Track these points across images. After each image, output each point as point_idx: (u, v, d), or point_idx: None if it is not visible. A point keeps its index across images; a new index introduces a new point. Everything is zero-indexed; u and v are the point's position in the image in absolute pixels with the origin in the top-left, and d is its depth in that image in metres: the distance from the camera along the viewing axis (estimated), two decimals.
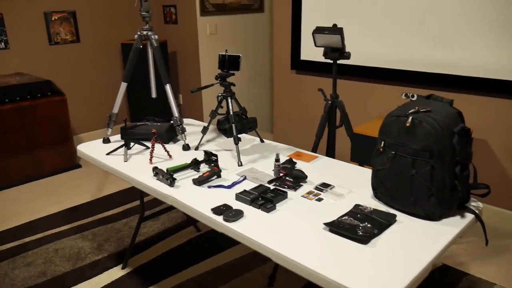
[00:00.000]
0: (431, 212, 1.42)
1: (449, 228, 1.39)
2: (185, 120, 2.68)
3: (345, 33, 3.17)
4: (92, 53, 4.44)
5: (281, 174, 1.83)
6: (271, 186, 1.72)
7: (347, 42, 3.18)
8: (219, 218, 1.49)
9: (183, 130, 2.23)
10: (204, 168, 1.93)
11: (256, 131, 2.26)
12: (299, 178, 1.76)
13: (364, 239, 1.33)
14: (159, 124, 2.36)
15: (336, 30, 2.04)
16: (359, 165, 2.43)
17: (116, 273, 2.39)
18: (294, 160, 1.97)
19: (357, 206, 1.54)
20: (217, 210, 1.53)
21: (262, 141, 2.28)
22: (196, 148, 2.19)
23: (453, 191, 1.41)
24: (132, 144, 2.24)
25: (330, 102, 2.29)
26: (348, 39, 3.18)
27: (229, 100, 2.07)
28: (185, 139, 2.22)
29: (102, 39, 4.49)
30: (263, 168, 1.92)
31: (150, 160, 2.03)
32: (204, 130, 2.20)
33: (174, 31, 4.70)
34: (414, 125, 1.41)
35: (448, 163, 1.39)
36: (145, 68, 2.55)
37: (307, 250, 1.30)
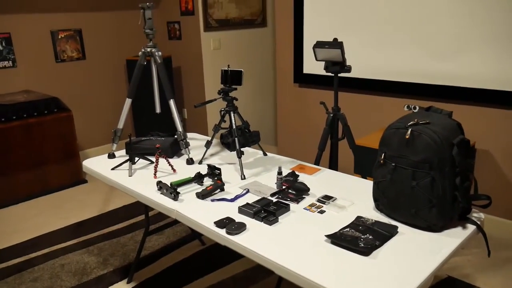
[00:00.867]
0: (433, 223, 1.43)
1: (450, 239, 1.40)
2: (189, 135, 2.71)
3: (347, 46, 3.21)
4: (98, 70, 4.51)
5: (283, 187, 1.84)
6: (274, 199, 1.73)
7: (348, 55, 3.22)
8: (222, 231, 1.51)
9: (187, 145, 2.26)
10: (207, 181, 1.95)
11: (259, 145, 2.29)
12: (301, 191, 1.77)
13: (365, 251, 1.33)
14: (163, 139, 2.39)
15: (336, 44, 2.07)
16: (362, 177, 2.44)
17: (121, 287, 2.40)
18: (297, 173, 1.99)
19: (359, 218, 1.55)
20: (220, 223, 1.55)
21: (265, 154, 2.30)
22: (200, 162, 2.21)
23: (454, 202, 1.42)
24: (136, 159, 2.27)
25: (332, 115, 2.31)
26: (350, 52, 3.21)
27: (232, 115, 2.10)
28: (189, 153, 2.25)
29: (107, 56, 4.56)
30: (266, 181, 1.94)
31: (155, 174, 2.05)
32: (208, 144, 2.22)
33: (178, 47, 4.76)
34: (414, 137, 1.42)
35: (448, 174, 1.40)
36: (150, 84, 2.60)
37: (308, 262, 1.31)
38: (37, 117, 3.61)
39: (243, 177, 1.97)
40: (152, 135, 2.46)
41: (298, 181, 1.88)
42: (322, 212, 1.63)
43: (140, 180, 2.01)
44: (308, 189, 1.78)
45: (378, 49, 3.06)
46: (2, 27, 3.81)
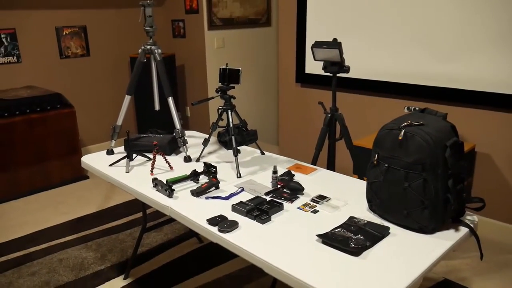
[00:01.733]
0: (424, 225, 1.42)
1: (442, 242, 1.39)
2: (188, 132, 2.72)
3: (348, 47, 3.20)
4: (101, 67, 4.54)
5: (278, 186, 1.85)
6: (268, 198, 1.74)
7: (349, 56, 3.21)
8: (214, 229, 1.51)
9: (185, 142, 2.27)
10: (203, 179, 1.96)
11: (257, 143, 2.29)
12: (296, 190, 1.78)
13: (355, 251, 1.33)
14: (161, 136, 2.40)
15: (334, 44, 2.07)
16: (360, 178, 2.44)
17: (117, 283, 2.42)
18: (293, 172, 1.99)
19: (351, 218, 1.54)
20: (212, 221, 1.55)
21: (262, 153, 2.30)
22: (197, 160, 2.22)
23: (446, 204, 1.42)
24: (134, 155, 2.28)
25: (329, 115, 2.31)
26: (350, 52, 3.21)
27: (229, 113, 2.10)
28: (187, 151, 2.26)
29: (111, 53, 4.58)
30: (261, 180, 1.94)
31: (151, 171, 2.06)
32: (205, 142, 2.23)
33: (182, 45, 4.78)
34: (407, 138, 1.42)
35: (441, 176, 1.39)
36: (150, 81, 2.61)
37: (298, 261, 1.31)
38: (40, 113, 3.63)
39: (239, 176, 1.98)
40: (151, 132, 2.47)
41: (293, 180, 1.88)
42: (315, 212, 1.63)
43: (137, 177, 2.02)
44: (303, 189, 1.78)
45: (379, 50, 3.05)
46: (8, 22, 3.84)
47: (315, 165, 2.31)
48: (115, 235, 2.96)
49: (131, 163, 2.21)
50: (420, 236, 1.43)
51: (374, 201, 1.56)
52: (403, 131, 1.42)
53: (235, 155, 2.01)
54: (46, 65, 4.15)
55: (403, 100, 3.05)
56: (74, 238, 2.93)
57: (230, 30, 4.63)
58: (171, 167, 2.12)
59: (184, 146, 2.26)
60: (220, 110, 2.13)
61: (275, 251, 1.37)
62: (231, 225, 1.51)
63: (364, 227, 1.47)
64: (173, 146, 2.34)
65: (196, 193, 1.78)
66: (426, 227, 1.43)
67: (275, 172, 1.84)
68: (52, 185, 3.80)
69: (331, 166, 2.39)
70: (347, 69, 2.17)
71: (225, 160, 2.21)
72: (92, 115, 4.58)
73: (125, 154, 2.18)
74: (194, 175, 1.92)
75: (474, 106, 2.73)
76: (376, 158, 1.52)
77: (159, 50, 2.33)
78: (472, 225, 1.48)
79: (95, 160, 2.29)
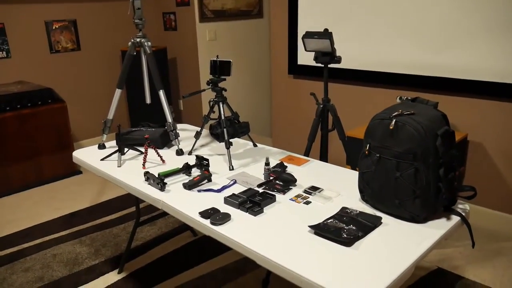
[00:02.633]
0: (416, 214, 1.43)
1: (433, 231, 1.40)
2: (180, 126, 2.71)
3: (340, 38, 3.19)
4: (92, 61, 4.50)
5: (271, 178, 1.84)
6: (260, 190, 1.73)
7: (342, 47, 3.20)
8: (206, 222, 1.51)
9: (177, 136, 2.25)
10: (195, 172, 1.95)
11: (249, 136, 2.28)
12: (288, 182, 1.77)
13: (347, 242, 1.33)
14: (153, 129, 2.39)
15: (325, 34, 2.05)
16: (353, 168, 2.44)
17: (112, 277, 2.41)
18: (285, 164, 1.99)
19: (344, 209, 1.55)
20: (204, 214, 1.55)
21: (255, 145, 2.29)
22: (190, 153, 2.21)
23: (437, 193, 1.42)
24: (126, 149, 2.26)
25: (321, 106, 2.30)
26: (342, 43, 3.19)
27: (221, 105, 2.09)
28: (179, 144, 2.25)
29: (102, 46, 4.54)
30: (254, 172, 1.94)
31: (143, 165, 2.05)
32: (197, 135, 2.22)
33: (174, 38, 4.74)
34: (398, 128, 1.41)
35: (432, 165, 1.39)
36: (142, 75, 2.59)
37: (291, 252, 1.31)
38: (31, 108, 3.60)
39: (231, 168, 1.97)
40: (143, 126, 2.45)
41: (286, 172, 1.87)
42: (308, 203, 1.62)
43: (129, 171, 2.01)
44: (295, 180, 1.78)
45: (371, 40, 3.04)
46: None
47: (308, 156, 2.30)
48: (109, 229, 2.95)
49: (123, 157, 2.19)
50: (412, 225, 1.43)
51: (366, 191, 1.56)
52: (394, 120, 1.42)
53: (227, 148, 2.01)
54: (37, 60, 4.10)
55: (395, 90, 3.05)
56: (68, 233, 2.92)
57: (222, 22, 4.60)
58: (163, 161, 2.11)
59: (176, 139, 2.25)
60: (211, 103, 2.11)
61: (267, 243, 1.36)
62: (223, 218, 1.50)
63: (356, 218, 1.47)
64: (165, 139, 2.33)
65: (188, 186, 1.77)
66: (418, 216, 1.43)
67: (267, 164, 1.84)
68: (44, 181, 3.78)
69: (323, 157, 2.39)
70: (338, 60, 2.16)
71: (218, 153, 2.20)
72: (84, 110, 4.55)
73: (117, 148, 2.17)
74: (186, 168, 1.91)
75: (467, 95, 2.73)
76: (367, 148, 1.52)
77: (149, 43, 2.31)
78: (463, 214, 1.49)
79: (87, 154, 2.27)
